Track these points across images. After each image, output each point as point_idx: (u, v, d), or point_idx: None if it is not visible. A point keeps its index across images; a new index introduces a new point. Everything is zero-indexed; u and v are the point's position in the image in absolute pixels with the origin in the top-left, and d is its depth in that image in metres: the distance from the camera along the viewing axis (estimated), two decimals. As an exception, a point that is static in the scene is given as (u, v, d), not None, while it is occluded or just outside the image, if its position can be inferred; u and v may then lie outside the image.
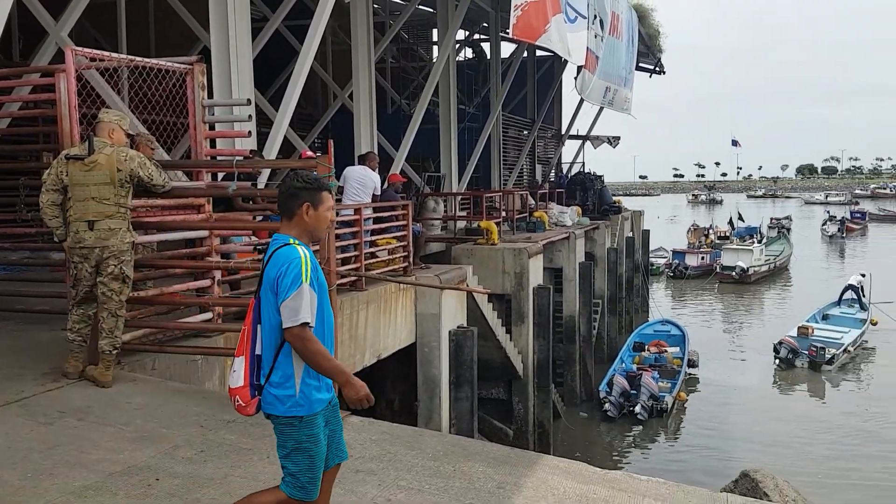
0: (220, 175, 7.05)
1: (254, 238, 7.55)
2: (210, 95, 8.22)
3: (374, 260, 9.01)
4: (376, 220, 9.30)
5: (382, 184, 10.13)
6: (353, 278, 8.21)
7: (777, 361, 20.52)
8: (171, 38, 15.21)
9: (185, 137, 6.54)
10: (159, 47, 15.76)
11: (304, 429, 3.23)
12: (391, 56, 24.05)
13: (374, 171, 9.52)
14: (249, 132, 7.41)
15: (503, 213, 15.79)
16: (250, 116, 7.51)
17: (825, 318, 24.20)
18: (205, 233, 6.38)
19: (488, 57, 21.06)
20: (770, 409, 17.53)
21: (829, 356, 20.02)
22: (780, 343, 20.63)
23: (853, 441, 15.09)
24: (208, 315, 6.40)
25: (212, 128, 6.88)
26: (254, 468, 4.74)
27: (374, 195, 9.34)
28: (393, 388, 9.94)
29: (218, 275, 6.44)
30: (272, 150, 9.01)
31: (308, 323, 3.11)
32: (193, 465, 4.61)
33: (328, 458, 3.42)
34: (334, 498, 4.46)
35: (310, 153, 8.91)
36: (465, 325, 10.06)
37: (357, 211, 8.57)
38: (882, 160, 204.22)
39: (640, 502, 4.68)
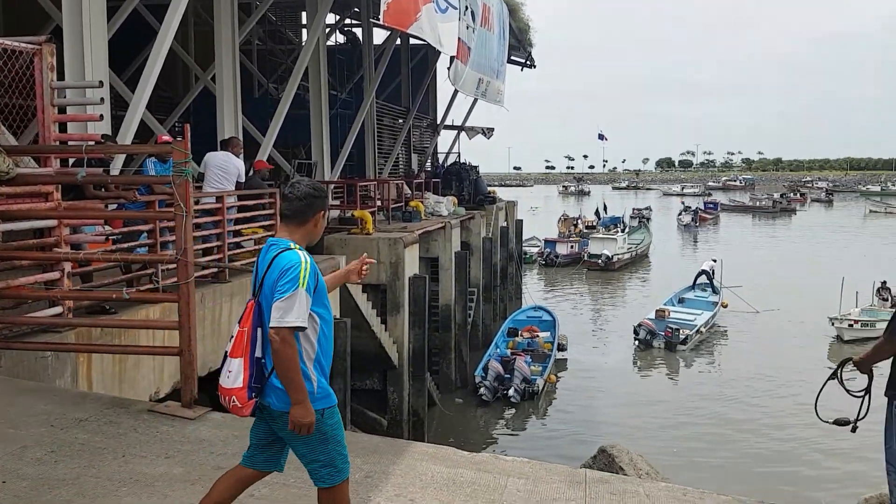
0: (71, 161, 6.62)
1: (107, 227, 7.14)
2: (62, 77, 7.70)
3: (238, 250, 8.71)
4: (241, 209, 8.97)
5: (248, 171, 9.81)
6: (215, 269, 7.89)
7: (636, 343, 21.70)
8: (22, 17, 14.14)
9: (33, 121, 6.08)
10: (8, 26, 14.64)
11: (328, 419, 3.31)
12: (258, 38, 23.36)
13: (237, 157, 9.18)
14: (101, 116, 6.98)
15: (378, 203, 15.70)
16: (102, 99, 7.08)
17: (681, 301, 25.81)
18: (53, 222, 5.99)
19: (361, 43, 20.82)
20: (630, 388, 18.49)
21: (683, 337, 21.37)
22: (640, 325, 21.86)
23: (703, 415, 16.15)
24: (58, 309, 6.04)
25: (62, 111, 6.44)
26: (108, 467, 4.54)
27: (238, 182, 9.01)
28: (261, 381, 9.67)
29: (68, 267, 6.08)
30: (128, 135, 8.54)
31: (295, 327, 3.14)
32: (44, 467, 4.39)
33: (269, 458, 3.49)
34: (194, 496, 4.28)
35: (167, 137, 8.46)
36: (338, 316, 9.92)
37: (219, 199, 8.24)
38: (733, 154, 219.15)
39: (504, 482, 4.78)
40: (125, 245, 7.04)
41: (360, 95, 18.70)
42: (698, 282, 27.51)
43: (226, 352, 3.34)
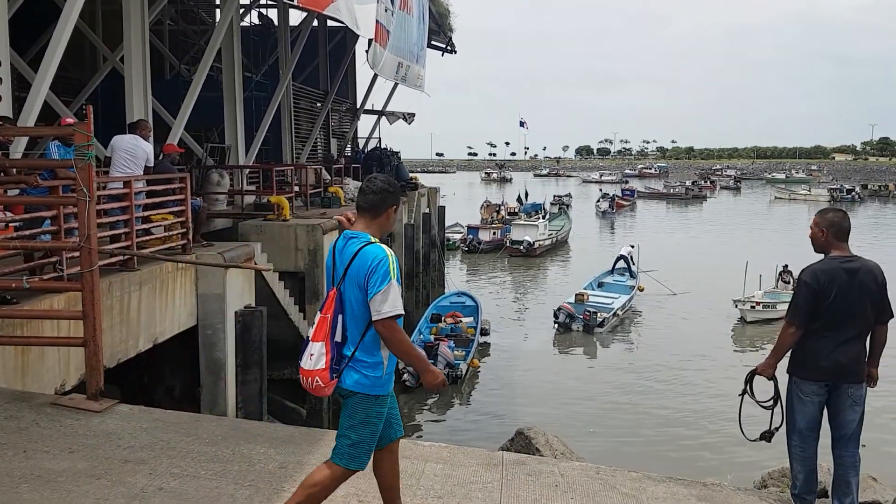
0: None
1: (7, 213, 6.79)
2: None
3: (148, 237, 8.41)
4: (150, 194, 8.66)
5: (157, 155, 9.47)
6: (122, 257, 7.61)
7: (556, 326, 22.16)
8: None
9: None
10: None
11: (377, 406, 3.57)
12: (169, 18, 22.52)
13: (146, 140, 8.85)
14: (0, 97, 6.60)
15: (296, 188, 15.39)
16: (1, 80, 6.71)
17: (600, 285, 26.55)
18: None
19: (276, 24, 20.33)
20: (550, 370, 18.86)
21: (601, 320, 21.92)
22: (559, 309, 22.28)
23: (618, 395, 16.63)
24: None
25: (-45, 91, 6.05)
26: (8, 464, 4.38)
27: (146, 167, 8.69)
28: (173, 374, 9.37)
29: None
30: (30, 117, 8.11)
31: (398, 315, 3.47)
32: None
33: (390, 433, 3.78)
34: (100, 491, 4.15)
35: (71, 119, 8.08)
36: (254, 304, 9.71)
37: (127, 184, 7.93)
38: (648, 142, 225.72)
39: (422, 467, 4.80)
40: (27, 232, 6.70)
41: (276, 78, 18.29)
42: (617, 266, 28.26)
43: (307, 336, 3.58)
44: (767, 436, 4.49)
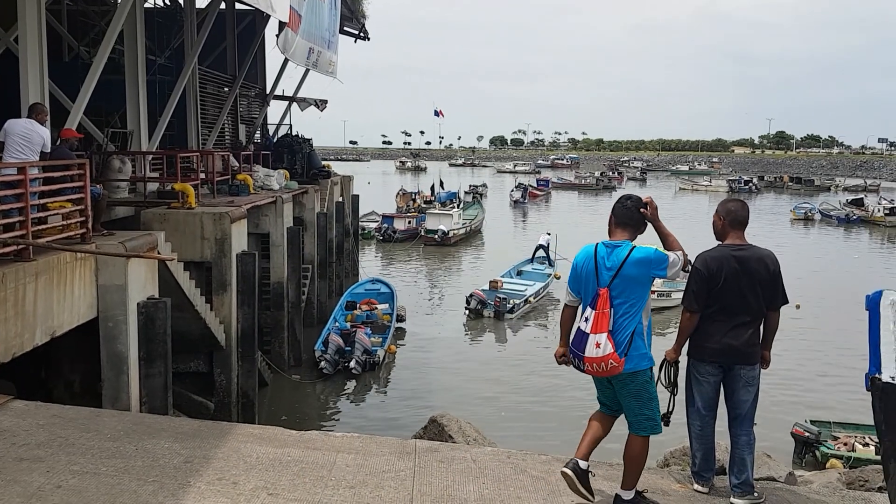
0: None
1: None
2: None
3: (44, 226, 7.98)
4: (47, 181, 8.22)
5: (55, 140, 8.99)
6: (17, 247, 7.20)
7: (467, 312, 22.48)
8: None
9: None
10: None
11: (652, 381, 4.50)
12: (68, -3, 21.40)
13: (42, 124, 8.39)
14: None
15: (202, 176, 14.90)
16: None
17: (519, 273, 27.15)
18: None
19: (182, 5, 19.60)
20: (463, 357, 19.10)
21: (511, 306, 22.38)
22: (471, 296, 22.69)
23: (529, 380, 16.98)
24: None
25: None
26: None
27: (43, 152, 8.24)
28: (72, 368, 8.95)
29: None
30: None
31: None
32: None
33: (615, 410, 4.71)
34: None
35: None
36: (158, 295, 9.36)
37: (22, 170, 7.50)
38: (560, 134, 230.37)
39: (333, 458, 4.76)
40: None
41: (182, 61, 17.65)
42: (537, 255, 28.81)
43: (585, 332, 4.33)
44: (665, 419, 4.67)
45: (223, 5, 19.98)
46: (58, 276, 7.71)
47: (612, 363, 4.27)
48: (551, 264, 28.03)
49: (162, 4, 23.48)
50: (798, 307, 21.78)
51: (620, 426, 4.74)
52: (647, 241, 4.57)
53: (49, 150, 8.50)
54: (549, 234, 29.71)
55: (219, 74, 22.10)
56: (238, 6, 21.48)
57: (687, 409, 4.96)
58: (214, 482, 4.25)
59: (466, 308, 22.56)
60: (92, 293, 8.37)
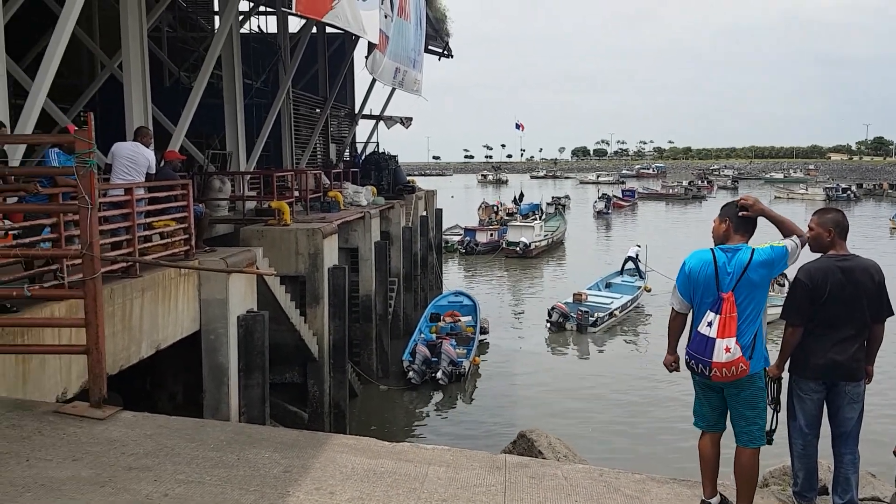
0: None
1: (7, 221, 6.78)
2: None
3: (149, 244, 8.42)
4: (152, 201, 8.68)
5: (159, 162, 9.49)
6: (124, 264, 7.62)
7: (549, 325, 22.28)
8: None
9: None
10: None
11: (765, 386, 4.46)
12: (168, 25, 22.56)
13: (147, 147, 8.87)
14: (-4, 104, 6.62)
15: (296, 193, 15.43)
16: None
17: (608, 285, 26.65)
18: (-56, 216, 5.64)
19: (276, 31, 20.38)
20: (548, 370, 18.93)
21: (594, 319, 22.04)
22: (553, 308, 22.47)
23: (617, 395, 16.65)
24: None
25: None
26: (11, 473, 4.35)
27: (148, 174, 8.71)
28: (175, 379, 9.39)
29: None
30: (28, 124, 8.12)
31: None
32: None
33: (721, 424, 4.66)
34: (104, 499, 4.16)
35: (75, 127, 8.10)
36: (256, 309, 9.72)
37: (128, 191, 7.95)
38: (645, 143, 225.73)
39: (425, 470, 4.81)
40: (27, 240, 6.70)
41: (276, 84, 18.33)
42: (627, 267, 28.29)
43: (710, 336, 4.28)
44: (768, 437, 4.52)
45: (315, 30, 20.66)
46: (163, 291, 8.12)
47: (741, 366, 4.24)
48: (641, 277, 27.43)
49: (257, 31, 24.43)
50: (906, 321, 20.61)
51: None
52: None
53: (154, 172, 8.98)
54: (638, 245, 29.09)
55: (311, 96, 22.83)
56: (329, 30, 22.14)
57: (789, 427, 4.78)
58: (312, 492, 4.37)
59: (548, 321, 22.38)
60: (195, 307, 8.77)
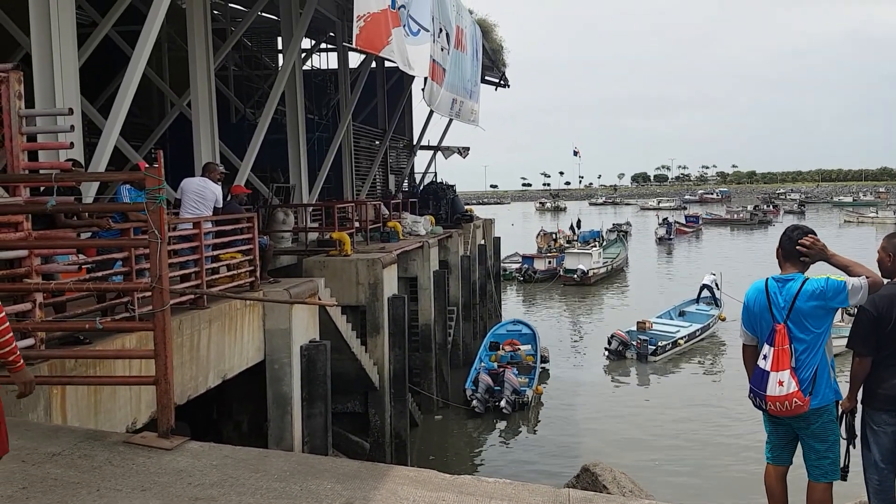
0: (42, 190, 6.53)
1: (81, 256, 7.05)
2: (32, 105, 7.64)
3: (216, 276, 8.63)
4: (219, 234, 8.92)
5: (225, 196, 9.76)
6: (192, 296, 7.82)
7: (607, 353, 21.90)
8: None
9: (1, 151, 6.04)
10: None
11: (837, 418, 4.31)
12: (234, 64, 23.36)
13: (215, 182, 9.13)
14: (72, 143, 6.91)
15: (356, 224, 15.66)
16: (73, 126, 7.01)
17: (681, 314, 25.97)
18: (24, 252, 5.89)
19: (336, 69, 20.89)
20: (610, 400, 18.60)
21: (654, 349, 21.50)
22: (613, 336, 22.09)
23: (684, 427, 16.18)
24: (30, 341, 5.90)
25: (32, 139, 6.37)
26: (82, 502, 4.43)
27: (215, 208, 8.96)
28: (241, 408, 9.54)
29: (39, 297, 5.96)
30: (101, 162, 8.47)
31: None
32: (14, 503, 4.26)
33: (787, 456, 4.58)
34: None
35: (146, 164, 8.41)
36: (318, 338, 9.84)
37: (196, 225, 8.18)
38: (707, 168, 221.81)
39: (487, 505, 4.75)
40: (99, 273, 6.95)
41: (337, 118, 18.74)
42: (703, 295, 27.60)
43: (765, 370, 4.22)
44: (843, 473, 4.34)
45: (374, 64, 21.09)
46: (229, 322, 8.30)
47: (796, 402, 4.11)
48: (717, 305, 26.68)
49: (318, 67, 25.07)
50: None
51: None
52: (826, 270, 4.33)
53: (221, 206, 9.23)
54: (713, 273, 28.21)
55: (370, 129, 23.25)
56: (388, 64, 22.58)
57: (863, 462, 4.58)
58: (373, 525, 4.36)
59: (607, 349, 22.01)
60: (259, 337, 8.93)
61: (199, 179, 9.15)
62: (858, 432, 4.57)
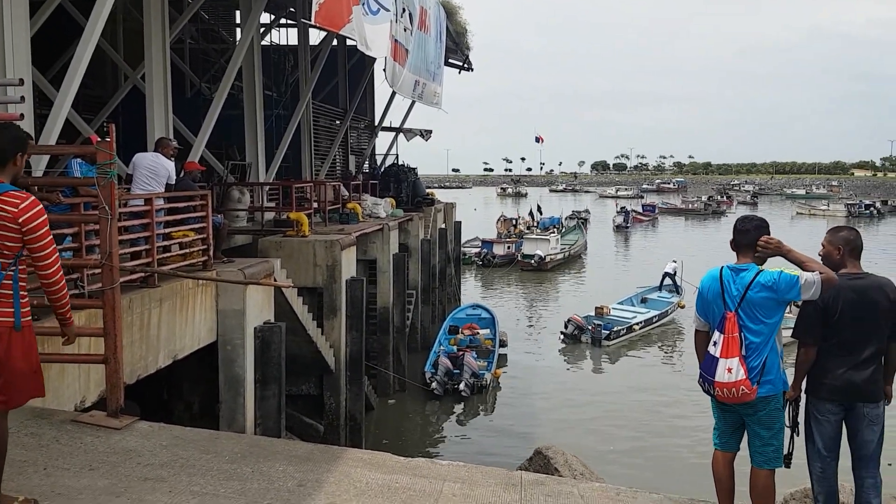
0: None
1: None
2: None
3: (168, 254, 8.47)
4: (171, 211, 8.74)
5: (179, 172, 9.56)
6: (144, 274, 7.66)
7: (563, 337, 22.36)
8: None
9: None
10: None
11: (783, 407, 4.38)
12: (190, 37, 22.82)
13: (168, 158, 8.94)
14: (22, 115, 6.69)
15: (315, 205, 15.48)
16: (23, 98, 6.77)
17: (644, 301, 26.55)
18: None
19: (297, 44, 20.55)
20: (565, 384, 18.87)
21: (608, 333, 21.93)
22: (569, 321, 22.58)
23: (636, 411, 16.49)
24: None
25: (-21, 109, 6.15)
26: (29, 481, 4.40)
27: (168, 184, 8.77)
28: (192, 389, 9.40)
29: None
30: (52, 135, 8.21)
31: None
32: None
33: (734, 443, 4.59)
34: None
35: (97, 138, 8.18)
36: (273, 320, 9.74)
37: (148, 201, 8.00)
38: (665, 158, 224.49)
39: (440, 486, 4.77)
40: (47, 249, 6.74)
41: (297, 96, 18.46)
42: (665, 283, 28.21)
43: (714, 356, 4.27)
44: (786, 460, 4.44)
45: (335, 42, 20.81)
46: (181, 301, 8.15)
47: (743, 389, 4.17)
48: (679, 292, 27.30)
49: (278, 43, 24.65)
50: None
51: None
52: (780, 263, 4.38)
53: (174, 182, 9.04)
54: (675, 261, 28.80)
55: (331, 108, 22.97)
56: (349, 43, 22.30)
57: (807, 450, 4.70)
58: (326, 507, 4.35)
59: (563, 332, 22.45)
60: (212, 318, 8.79)
61: (151, 155, 8.94)
62: (802, 421, 4.69)
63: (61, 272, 4.05)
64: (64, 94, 8.21)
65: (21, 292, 3.91)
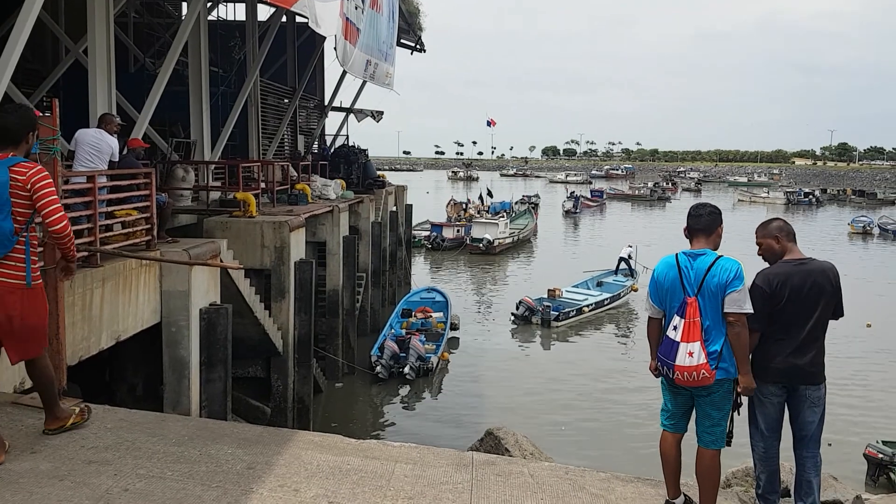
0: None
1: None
2: None
3: (110, 233, 8.24)
4: (114, 189, 8.49)
5: (122, 149, 9.29)
6: (85, 253, 7.44)
7: (513, 318, 22.73)
8: None
9: None
10: None
11: (732, 388, 4.42)
12: (134, 11, 22.12)
13: (111, 134, 8.67)
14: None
15: (262, 185, 15.22)
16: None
17: (599, 284, 27.07)
18: None
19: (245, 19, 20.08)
20: (515, 365, 19.08)
21: (556, 314, 22.34)
22: (520, 302, 22.95)
23: (584, 392, 16.79)
24: None
25: None
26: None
27: (111, 161, 8.52)
28: (135, 371, 9.20)
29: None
30: (-12, 108, 7.87)
31: (749, 313, 4.30)
32: None
33: (682, 426, 4.65)
34: (63, 493, 4.06)
35: (39, 113, 7.88)
36: (219, 302, 9.58)
37: (90, 178, 7.76)
38: (614, 144, 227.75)
39: (392, 468, 4.78)
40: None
41: (244, 73, 18.08)
42: (621, 267, 28.67)
43: (675, 340, 4.29)
44: (727, 439, 4.56)
45: (284, 19, 20.41)
46: (123, 281, 7.95)
47: (703, 373, 4.24)
48: (634, 276, 27.80)
49: (225, 18, 24.07)
50: (869, 326, 21.07)
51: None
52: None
53: (117, 160, 8.79)
54: (630, 245, 29.36)
55: (279, 86, 22.56)
56: (299, 20, 21.92)
57: (750, 431, 4.81)
58: (276, 489, 4.31)
59: (514, 314, 22.74)
60: (156, 299, 8.60)
61: (94, 131, 8.67)
62: (745, 402, 4.80)
63: (69, 227, 4.50)
64: (2, 68, 7.87)
65: (32, 255, 4.39)
